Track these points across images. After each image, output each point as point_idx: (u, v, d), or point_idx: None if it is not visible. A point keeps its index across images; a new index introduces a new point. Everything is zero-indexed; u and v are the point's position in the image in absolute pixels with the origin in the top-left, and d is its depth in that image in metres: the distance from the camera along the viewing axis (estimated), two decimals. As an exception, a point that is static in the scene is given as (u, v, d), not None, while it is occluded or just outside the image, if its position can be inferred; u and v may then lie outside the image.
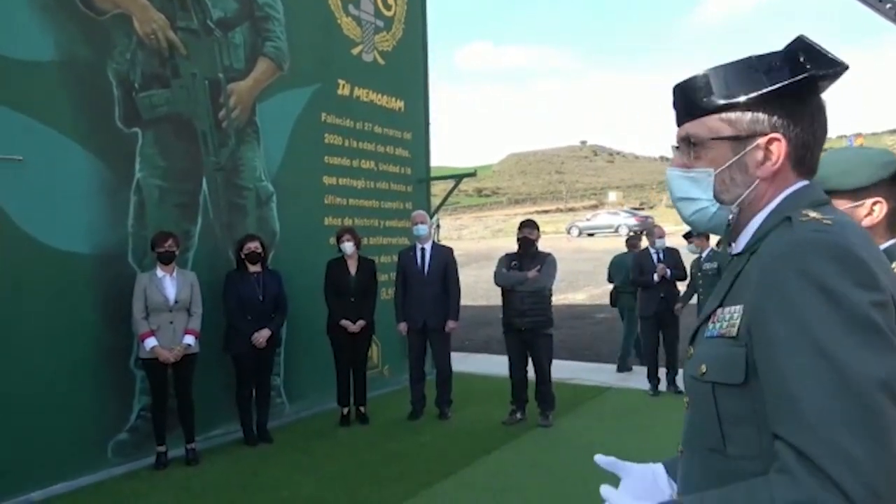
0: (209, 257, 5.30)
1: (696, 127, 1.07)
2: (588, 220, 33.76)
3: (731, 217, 1.08)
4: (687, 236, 6.84)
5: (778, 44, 1.19)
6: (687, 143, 1.09)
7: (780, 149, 1.02)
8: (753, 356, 0.92)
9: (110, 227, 4.62)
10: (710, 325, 1.03)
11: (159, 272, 4.67)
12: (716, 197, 1.07)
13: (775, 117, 1.01)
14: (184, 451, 4.81)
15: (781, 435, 0.83)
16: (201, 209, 5.28)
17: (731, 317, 0.98)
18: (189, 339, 4.72)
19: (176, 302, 4.67)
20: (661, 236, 6.93)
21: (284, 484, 4.39)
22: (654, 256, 6.85)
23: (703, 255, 6.70)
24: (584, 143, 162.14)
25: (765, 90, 1.00)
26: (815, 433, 0.79)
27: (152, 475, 4.58)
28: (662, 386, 6.68)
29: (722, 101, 1.03)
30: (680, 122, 1.11)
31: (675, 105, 1.12)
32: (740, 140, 1.03)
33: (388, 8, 7.40)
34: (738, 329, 0.95)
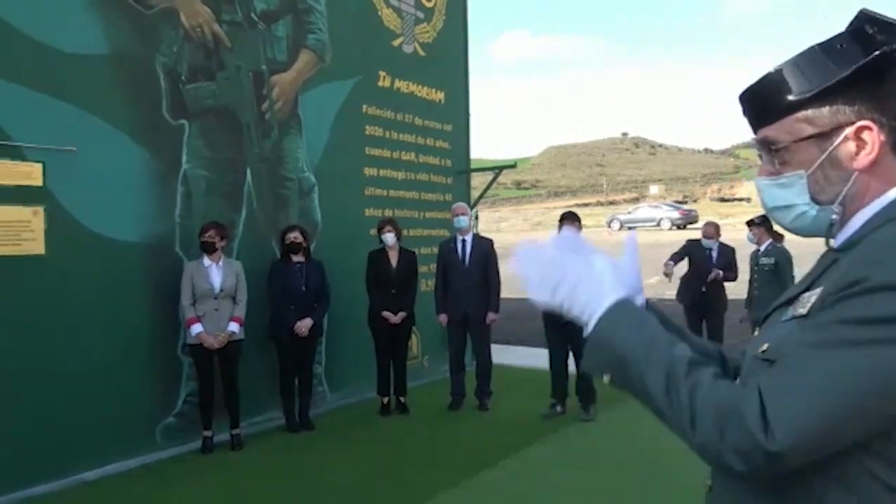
0: (253, 247, 5.38)
1: (774, 131, 0.98)
2: (629, 213, 33.30)
3: (834, 217, 0.98)
4: (749, 223, 6.59)
5: (835, 21, 1.09)
6: (768, 150, 1.00)
7: (872, 136, 0.92)
8: None
9: (159, 217, 4.74)
10: (791, 309, 0.97)
11: (206, 261, 4.77)
12: (813, 199, 0.98)
13: (857, 103, 0.92)
14: (228, 437, 4.92)
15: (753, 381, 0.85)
16: (245, 199, 5.37)
17: (809, 299, 0.92)
18: (234, 327, 4.81)
19: (221, 290, 4.77)
20: (709, 237, 6.78)
21: (326, 470, 4.45)
22: (708, 251, 6.70)
23: (762, 249, 6.43)
24: (625, 135, 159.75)
25: (838, 78, 0.91)
26: (783, 396, 0.81)
27: (198, 459, 4.69)
28: None
29: (794, 99, 0.94)
30: (755, 129, 1.02)
31: (745, 112, 1.03)
32: (825, 136, 0.94)
33: (429, -1, 7.39)
34: (810, 309, 0.90)
